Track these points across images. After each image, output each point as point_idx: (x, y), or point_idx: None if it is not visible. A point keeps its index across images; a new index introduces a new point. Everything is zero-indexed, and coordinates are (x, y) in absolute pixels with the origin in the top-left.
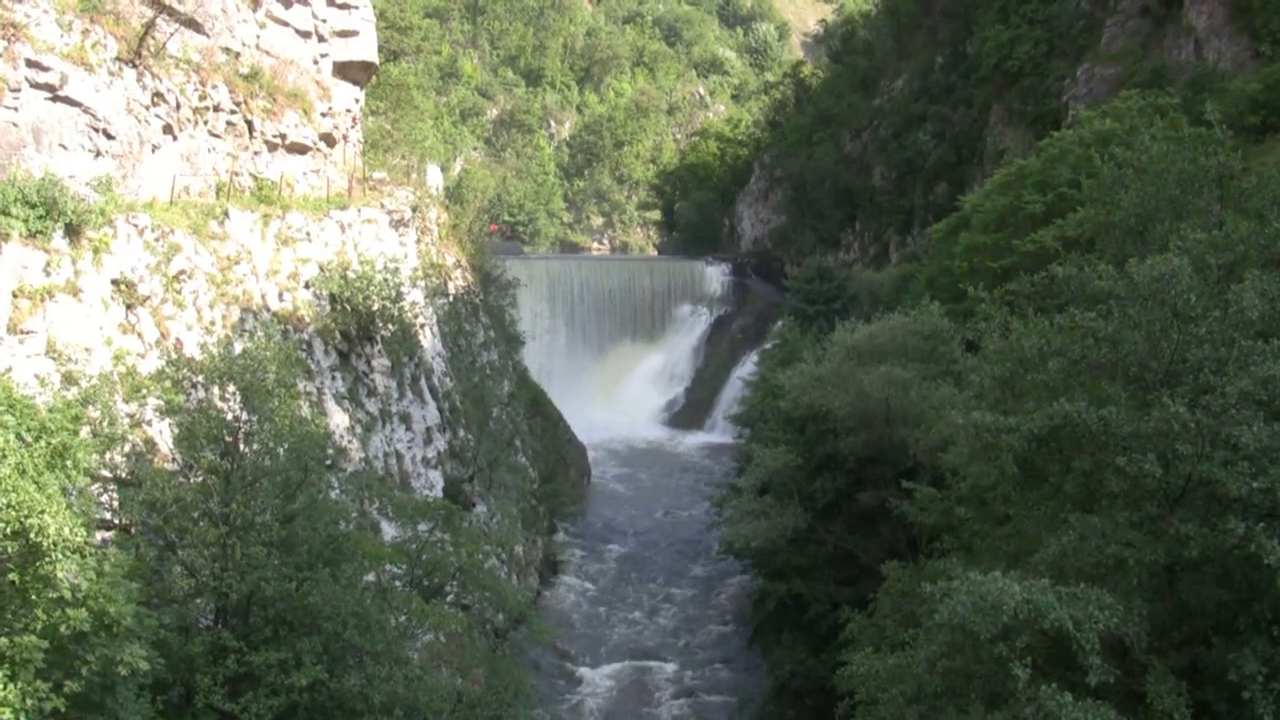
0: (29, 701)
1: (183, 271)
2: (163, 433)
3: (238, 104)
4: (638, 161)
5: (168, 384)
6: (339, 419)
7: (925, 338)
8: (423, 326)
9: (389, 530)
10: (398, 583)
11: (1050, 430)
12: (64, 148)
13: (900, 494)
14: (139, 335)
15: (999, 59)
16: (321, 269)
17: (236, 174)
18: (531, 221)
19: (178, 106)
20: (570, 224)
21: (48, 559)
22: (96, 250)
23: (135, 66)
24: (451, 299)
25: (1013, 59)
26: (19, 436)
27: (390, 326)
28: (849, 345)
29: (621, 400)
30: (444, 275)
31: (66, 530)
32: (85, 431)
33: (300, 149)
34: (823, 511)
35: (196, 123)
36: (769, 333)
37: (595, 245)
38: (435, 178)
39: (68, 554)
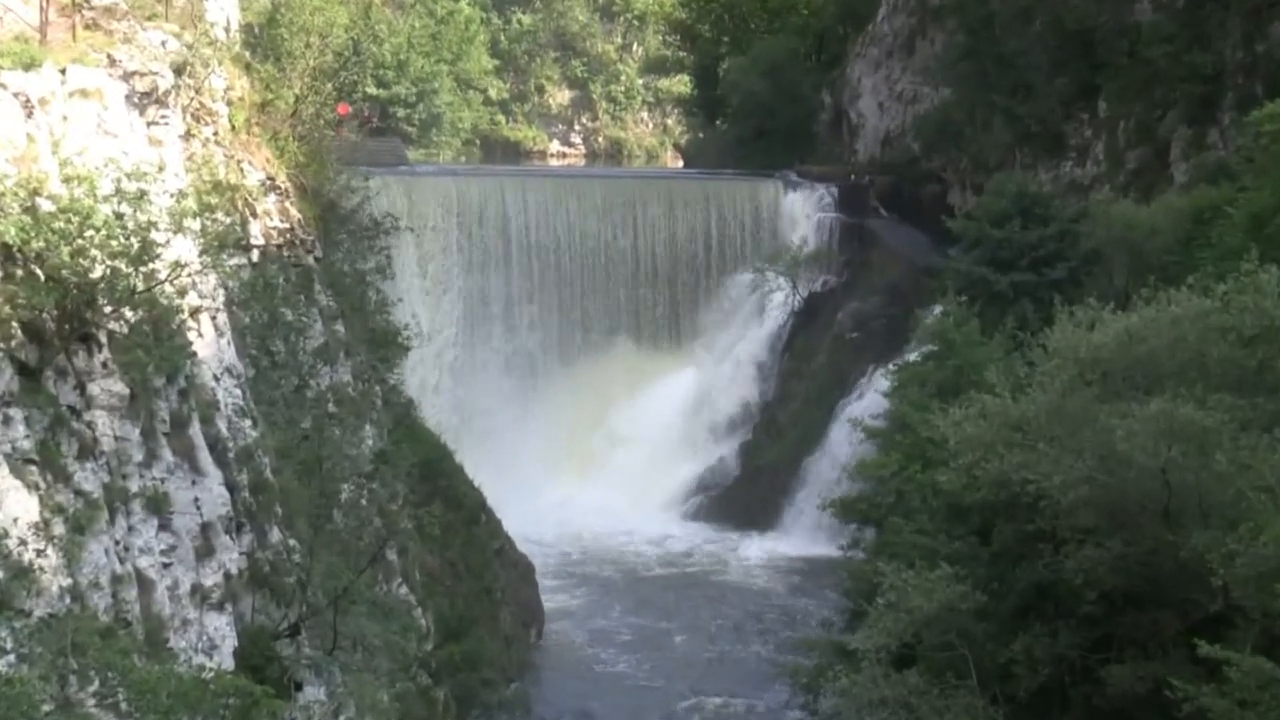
0: None
1: None
2: None
3: None
4: None
5: None
6: (17, 505)
7: (1247, 342)
8: (198, 315)
9: None
10: None
11: None
12: None
13: (1195, 667)
14: None
15: None
16: None
17: None
18: (425, 99)
19: None
20: (505, 104)
21: None
22: None
23: None
24: (258, 258)
25: None
26: None
27: (129, 314)
28: (1082, 357)
29: (609, 469)
30: (243, 208)
31: None
32: None
33: None
34: (1031, 703)
35: None
36: (913, 329)
37: (557, 148)
38: (225, 7)
39: None
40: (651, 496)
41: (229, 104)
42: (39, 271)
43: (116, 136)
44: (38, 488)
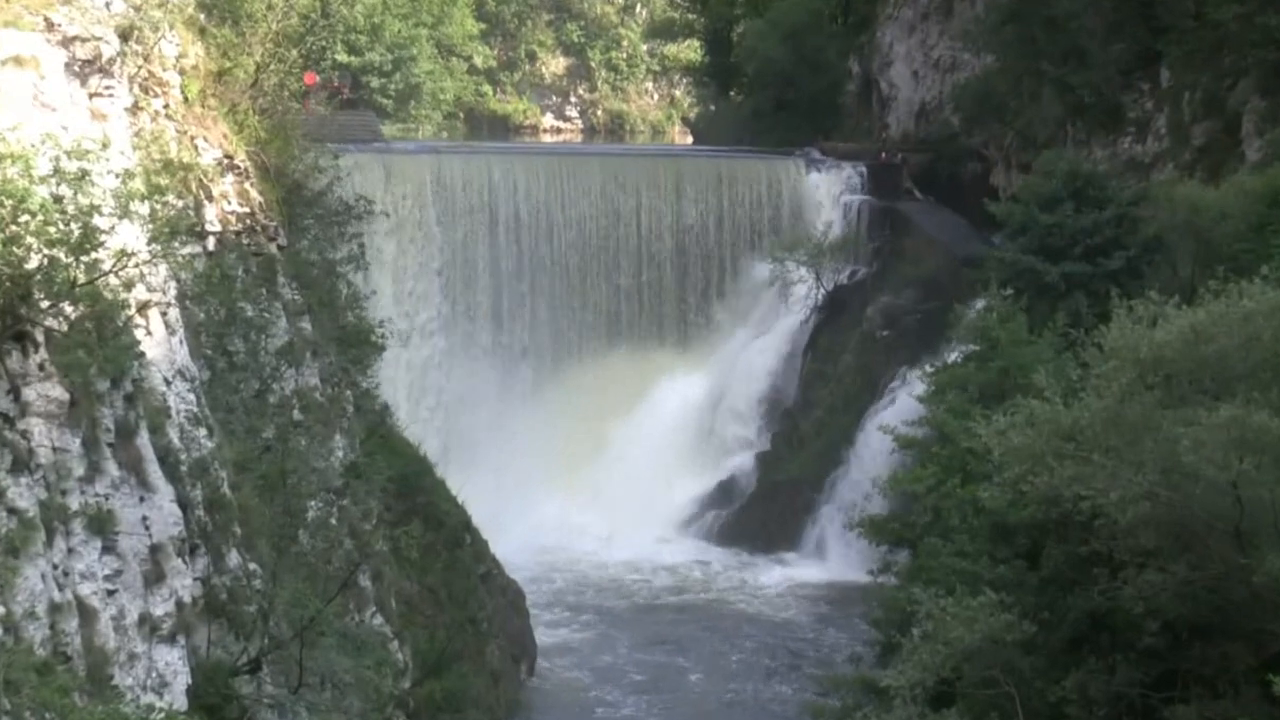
0: None
1: None
2: None
3: None
4: None
5: None
6: None
7: None
8: (146, 310)
9: None
10: None
11: None
12: None
13: (1269, 707)
14: None
15: None
16: None
17: None
18: (402, 67)
19: None
20: (492, 73)
21: None
22: None
23: None
24: (214, 246)
25: None
26: None
27: (69, 310)
28: (1142, 357)
29: (609, 484)
30: (197, 190)
31: None
32: None
33: None
34: None
35: None
36: (952, 326)
37: (551, 123)
38: None
39: None
40: (657, 515)
41: (181, 73)
42: None
43: (55, 110)
44: None
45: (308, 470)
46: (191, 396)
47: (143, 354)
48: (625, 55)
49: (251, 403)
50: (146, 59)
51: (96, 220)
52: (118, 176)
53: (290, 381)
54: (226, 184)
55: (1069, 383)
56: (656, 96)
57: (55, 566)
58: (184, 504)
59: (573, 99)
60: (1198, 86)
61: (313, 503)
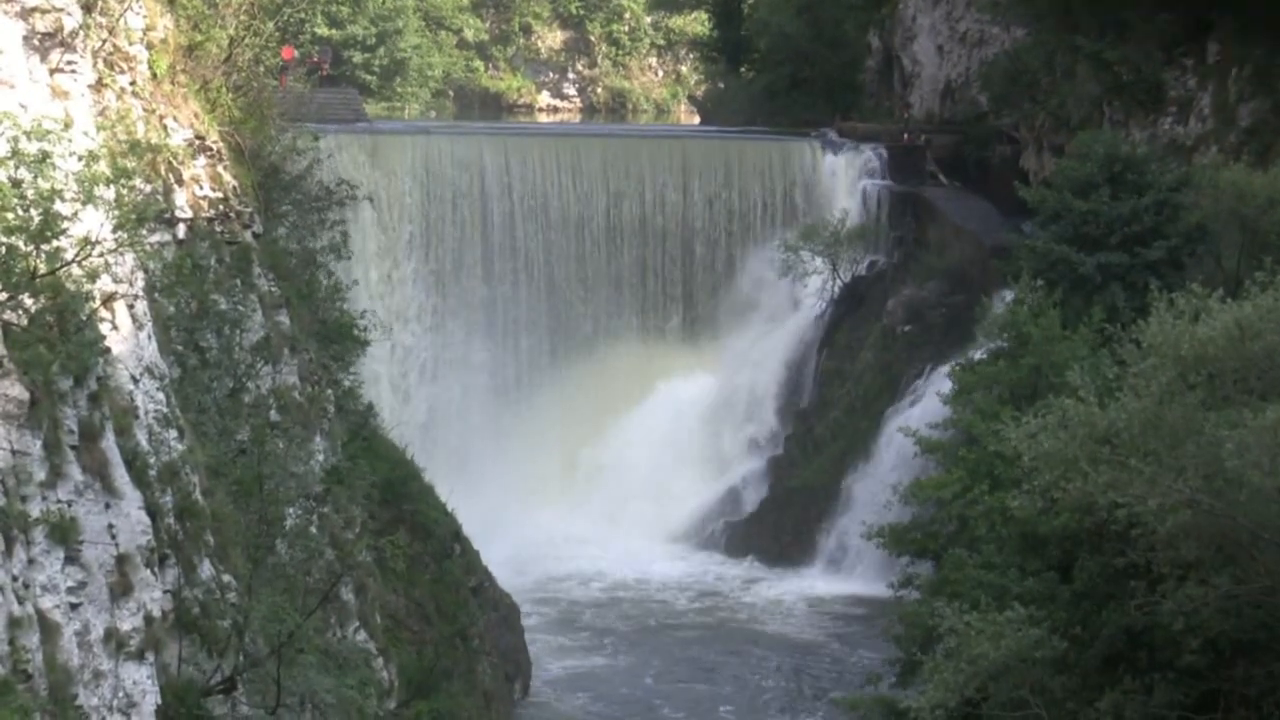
0: None
1: None
2: None
3: None
4: None
5: None
6: None
7: None
8: (112, 303)
9: None
10: None
11: None
12: None
13: None
14: None
15: None
16: None
17: None
18: (387, 41)
19: None
20: (483, 48)
21: None
22: None
23: None
24: (185, 234)
25: None
26: None
27: (29, 302)
28: (1183, 354)
29: (610, 491)
30: (166, 174)
31: None
32: None
33: None
34: None
35: None
36: (979, 321)
37: (547, 101)
38: None
39: None
40: (661, 525)
41: (149, 47)
42: None
43: (13, 87)
44: None
45: (286, 475)
46: (161, 396)
47: (108, 350)
48: (627, 28)
49: (225, 402)
50: (111, 32)
51: (58, 206)
52: (81, 159)
53: (267, 379)
54: (198, 167)
55: (1105, 382)
56: (661, 73)
57: (15, 578)
58: (152, 511)
59: (571, 75)
60: (1246, 62)
61: (291, 510)
